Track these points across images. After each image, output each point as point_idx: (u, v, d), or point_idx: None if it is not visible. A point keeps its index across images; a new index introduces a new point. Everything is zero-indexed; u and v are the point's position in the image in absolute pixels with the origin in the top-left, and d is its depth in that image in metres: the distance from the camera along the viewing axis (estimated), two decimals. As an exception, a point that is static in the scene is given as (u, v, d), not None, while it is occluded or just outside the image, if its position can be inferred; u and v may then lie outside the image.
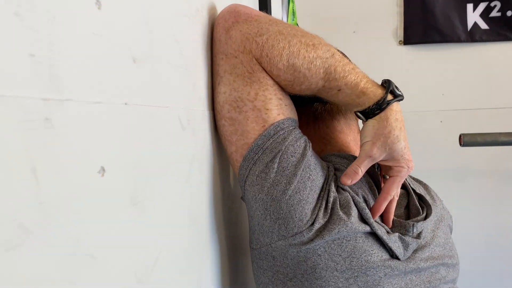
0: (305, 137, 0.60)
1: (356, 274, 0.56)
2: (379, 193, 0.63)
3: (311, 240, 0.55)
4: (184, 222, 0.50)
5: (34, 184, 0.25)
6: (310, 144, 0.60)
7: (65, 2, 0.29)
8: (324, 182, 0.58)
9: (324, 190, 0.58)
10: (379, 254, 0.57)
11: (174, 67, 0.48)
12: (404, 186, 0.70)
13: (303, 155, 0.57)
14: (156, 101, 0.42)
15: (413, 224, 0.62)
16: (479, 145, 1.50)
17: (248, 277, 0.82)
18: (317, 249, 0.55)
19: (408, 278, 0.59)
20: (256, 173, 0.56)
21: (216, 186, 0.63)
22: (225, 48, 0.58)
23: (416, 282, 0.60)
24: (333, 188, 0.58)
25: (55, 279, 0.27)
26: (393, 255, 0.58)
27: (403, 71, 2.03)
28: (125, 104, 0.37)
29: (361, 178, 0.60)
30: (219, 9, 0.64)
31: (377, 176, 0.66)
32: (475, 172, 2.02)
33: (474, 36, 2.02)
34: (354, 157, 0.64)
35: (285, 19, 1.52)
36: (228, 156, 0.61)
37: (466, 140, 1.48)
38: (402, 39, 2.03)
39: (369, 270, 0.56)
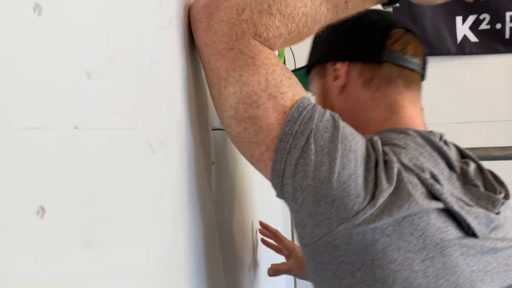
0: (328, 110, 0.57)
1: (432, 255, 0.50)
2: (447, 165, 0.59)
3: (377, 216, 0.50)
4: (155, 268, 0.43)
5: None
6: (338, 115, 0.56)
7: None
8: (365, 150, 0.54)
9: (371, 160, 0.53)
10: (453, 231, 0.52)
11: (141, 83, 0.42)
12: (474, 160, 0.66)
13: (336, 127, 0.53)
14: (117, 123, 0.37)
15: (502, 202, 0.57)
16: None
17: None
18: (385, 229, 0.50)
19: (485, 259, 0.54)
20: (294, 161, 0.52)
21: (197, 219, 0.57)
22: (215, 47, 0.54)
23: (494, 265, 0.55)
24: (394, 159, 0.54)
25: None
26: (468, 232, 0.53)
27: (393, 84, 2.01)
28: (75, 128, 0.31)
29: (425, 152, 0.58)
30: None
31: (442, 149, 0.61)
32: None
33: (464, 49, 2.01)
34: (415, 131, 0.61)
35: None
36: (256, 161, 0.56)
37: (460, 155, 1.44)
38: (392, 52, 2.01)
39: (445, 250, 0.51)
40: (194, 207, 0.56)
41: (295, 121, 0.53)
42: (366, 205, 0.50)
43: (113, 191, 0.36)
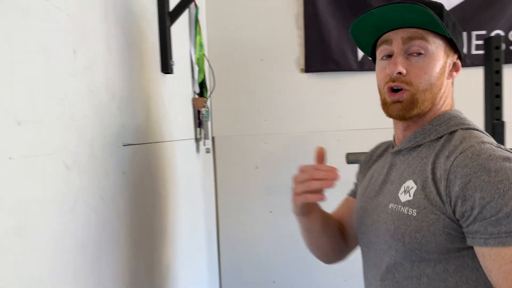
0: None
1: None
2: None
3: None
4: (70, 247, 0.60)
5: None
6: None
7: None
8: None
9: None
10: None
11: (59, 121, 0.59)
12: None
13: None
14: (42, 150, 0.53)
15: None
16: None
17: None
18: None
19: None
20: None
21: (111, 219, 0.74)
22: None
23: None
24: None
25: None
26: None
27: (304, 96, 2.27)
28: (10, 158, 0.47)
29: None
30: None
31: None
32: (367, 185, 2.31)
33: (363, 65, 2.32)
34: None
35: (193, 51, 1.66)
36: None
37: (351, 159, 1.71)
38: (304, 67, 2.27)
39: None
40: (106, 209, 0.73)
41: None
42: None
43: (38, 199, 0.52)
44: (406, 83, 0.77)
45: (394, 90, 0.79)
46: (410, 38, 0.76)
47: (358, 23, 0.81)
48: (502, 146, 0.71)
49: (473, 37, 2.35)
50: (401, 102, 0.78)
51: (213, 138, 2.24)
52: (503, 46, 2.29)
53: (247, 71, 2.26)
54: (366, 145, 1.97)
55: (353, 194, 1.03)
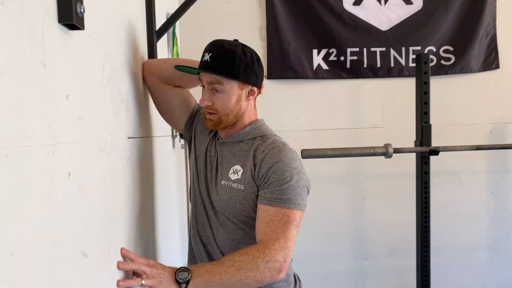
0: None
1: None
2: None
3: None
4: (104, 205, 0.86)
5: None
6: None
7: None
8: None
9: None
10: None
11: (95, 118, 0.85)
12: None
13: None
14: (83, 138, 0.79)
15: None
16: (314, 157, 2.07)
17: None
18: None
19: None
20: None
21: (117, 186, 1.00)
22: None
23: None
24: None
25: None
26: None
27: (267, 99, 2.57)
28: (77, 142, 0.73)
29: None
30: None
31: None
32: (320, 177, 2.65)
33: (318, 74, 2.67)
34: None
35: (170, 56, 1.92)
36: None
37: (305, 154, 2.03)
38: (266, 74, 2.58)
39: None
40: (119, 183, 0.99)
41: None
42: None
43: (87, 170, 0.78)
44: (215, 110, 1.16)
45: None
46: (211, 82, 1.13)
47: (182, 68, 1.19)
48: (291, 148, 1.15)
49: (410, 52, 2.75)
50: (212, 121, 1.17)
51: (185, 136, 2.50)
52: (433, 61, 2.71)
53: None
54: (319, 143, 2.31)
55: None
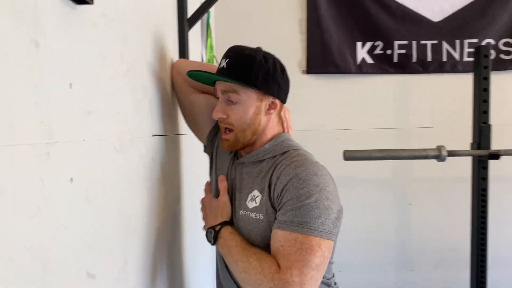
0: None
1: None
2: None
3: None
4: (117, 210, 0.74)
5: None
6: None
7: None
8: None
9: None
10: None
11: (112, 114, 0.73)
12: None
13: None
14: (100, 136, 0.67)
15: None
16: (358, 159, 1.88)
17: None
18: None
19: None
20: None
21: (138, 191, 0.88)
22: None
23: None
24: None
25: None
26: None
27: (306, 96, 2.41)
28: (83, 140, 0.61)
29: None
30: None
31: None
32: (362, 181, 2.45)
33: (362, 69, 2.47)
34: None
35: (204, 52, 1.80)
36: None
37: (348, 155, 1.85)
38: (305, 69, 2.41)
39: None
40: (139, 187, 0.87)
41: None
42: None
43: (101, 171, 0.66)
44: (230, 124, 0.98)
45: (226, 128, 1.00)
46: (226, 91, 0.96)
47: (195, 74, 1.01)
48: (317, 162, 0.93)
49: (466, 45, 2.50)
50: (228, 140, 1.00)
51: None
52: (492, 55, 2.45)
53: (252, 71, 2.39)
54: (362, 144, 2.12)
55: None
